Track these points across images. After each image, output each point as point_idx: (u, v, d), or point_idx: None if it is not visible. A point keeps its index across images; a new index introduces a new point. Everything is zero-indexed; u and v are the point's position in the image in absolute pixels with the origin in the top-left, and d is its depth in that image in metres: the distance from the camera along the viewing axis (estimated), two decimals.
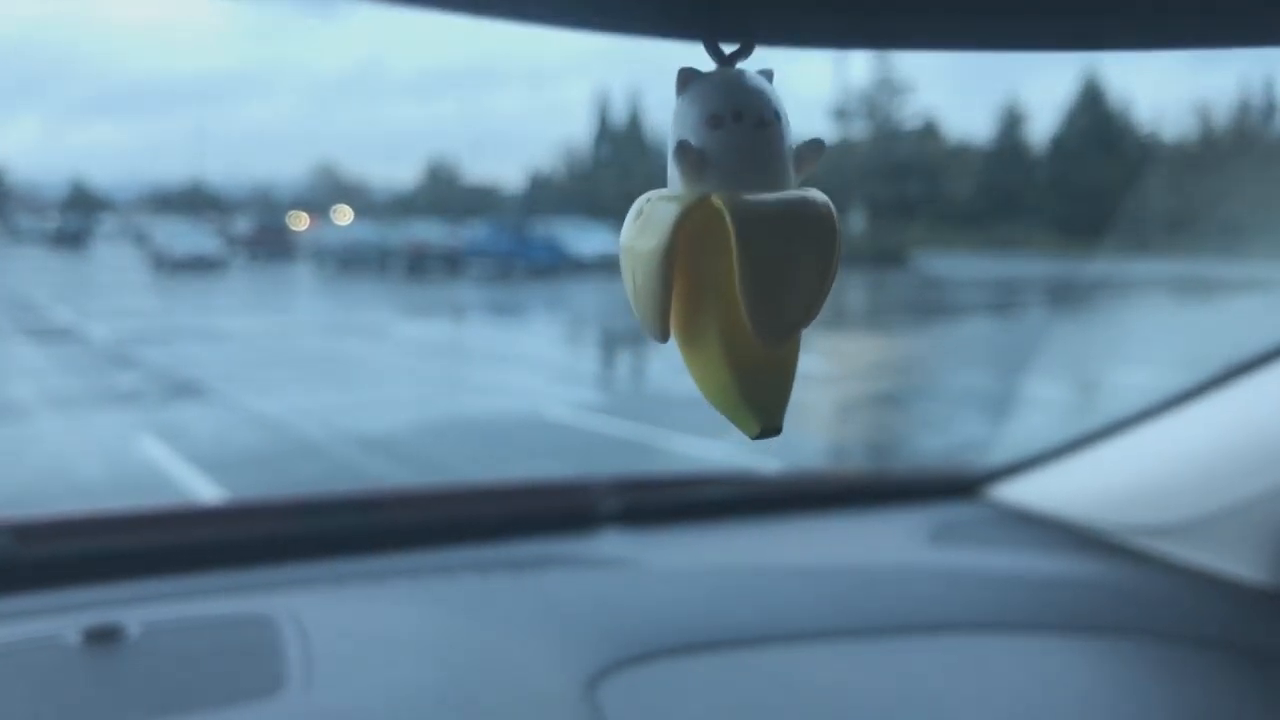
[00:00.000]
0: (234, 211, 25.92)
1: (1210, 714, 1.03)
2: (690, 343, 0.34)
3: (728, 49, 0.33)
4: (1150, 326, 8.15)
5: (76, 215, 27.69)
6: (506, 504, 1.36)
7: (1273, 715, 1.04)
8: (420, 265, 18.92)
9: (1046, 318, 11.28)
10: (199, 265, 18.63)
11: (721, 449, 4.96)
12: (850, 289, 15.91)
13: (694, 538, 1.34)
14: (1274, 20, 0.31)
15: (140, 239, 22.87)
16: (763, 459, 4.68)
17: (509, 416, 6.39)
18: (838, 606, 1.15)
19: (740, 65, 0.33)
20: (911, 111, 28.10)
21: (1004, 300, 13.74)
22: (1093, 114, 24.26)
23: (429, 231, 20.47)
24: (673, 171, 0.33)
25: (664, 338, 0.33)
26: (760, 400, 0.33)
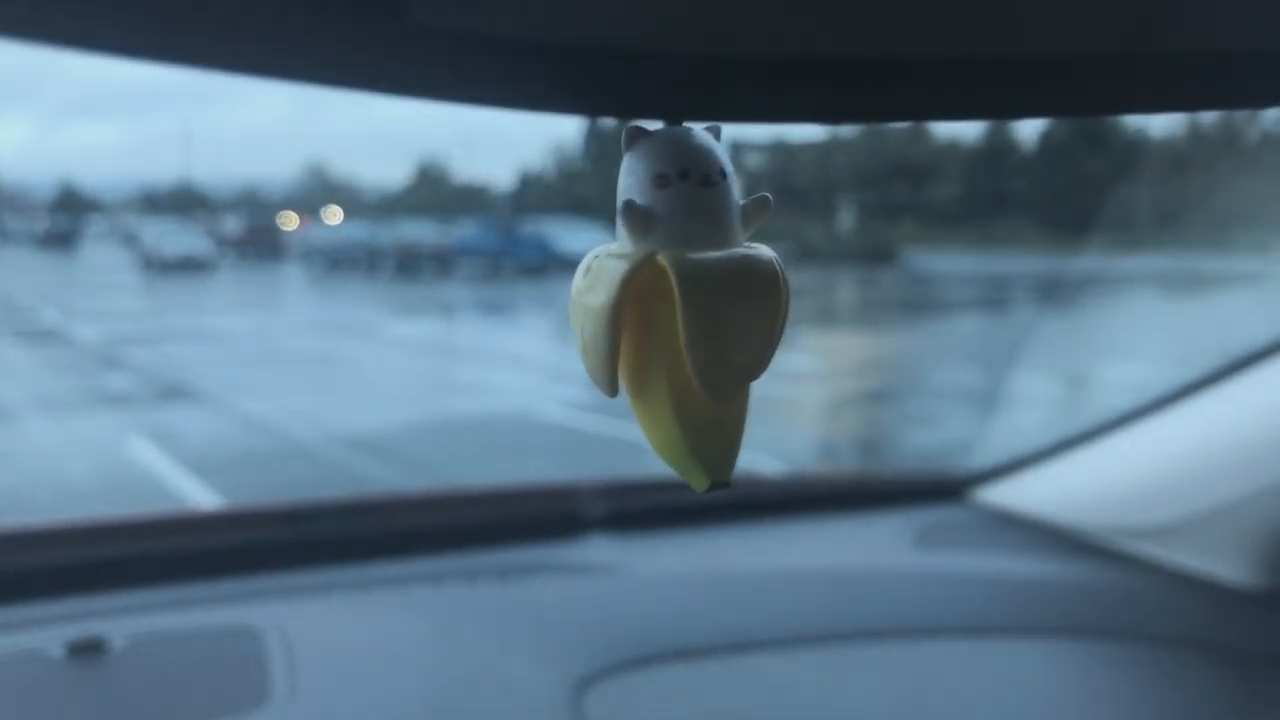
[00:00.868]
0: (223, 212, 25.82)
1: (1195, 715, 1.03)
2: (639, 397, 0.34)
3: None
4: (1138, 322, 8.17)
5: (65, 216, 27.60)
6: (493, 509, 1.36)
7: (1256, 715, 1.05)
8: (410, 264, 18.88)
9: (1035, 314, 11.30)
10: (188, 266, 18.57)
11: None
12: (839, 286, 15.92)
13: (680, 542, 1.34)
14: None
15: (129, 240, 22.79)
16: (750, 456, 4.68)
17: (499, 415, 6.38)
18: (824, 611, 1.16)
19: (687, 123, 0.34)
20: None
21: (993, 297, 13.76)
22: None
23: (419, 231, 20.41)
24: (621, 229, 0.33)
25: (612, 391, 0.33)
26: (708, 454, 0.33)
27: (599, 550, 1.29)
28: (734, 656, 1.05)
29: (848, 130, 26.67)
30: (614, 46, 0.28)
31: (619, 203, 0.33)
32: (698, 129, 0.33)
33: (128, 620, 1.04)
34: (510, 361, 8.90)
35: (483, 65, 0.28)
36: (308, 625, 1.05)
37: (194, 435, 5.69)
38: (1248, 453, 1.17)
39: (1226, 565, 1.20)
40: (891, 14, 0.28)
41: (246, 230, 22.82)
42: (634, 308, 0.32)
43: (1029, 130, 25.91)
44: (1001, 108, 0.34)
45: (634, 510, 1.36)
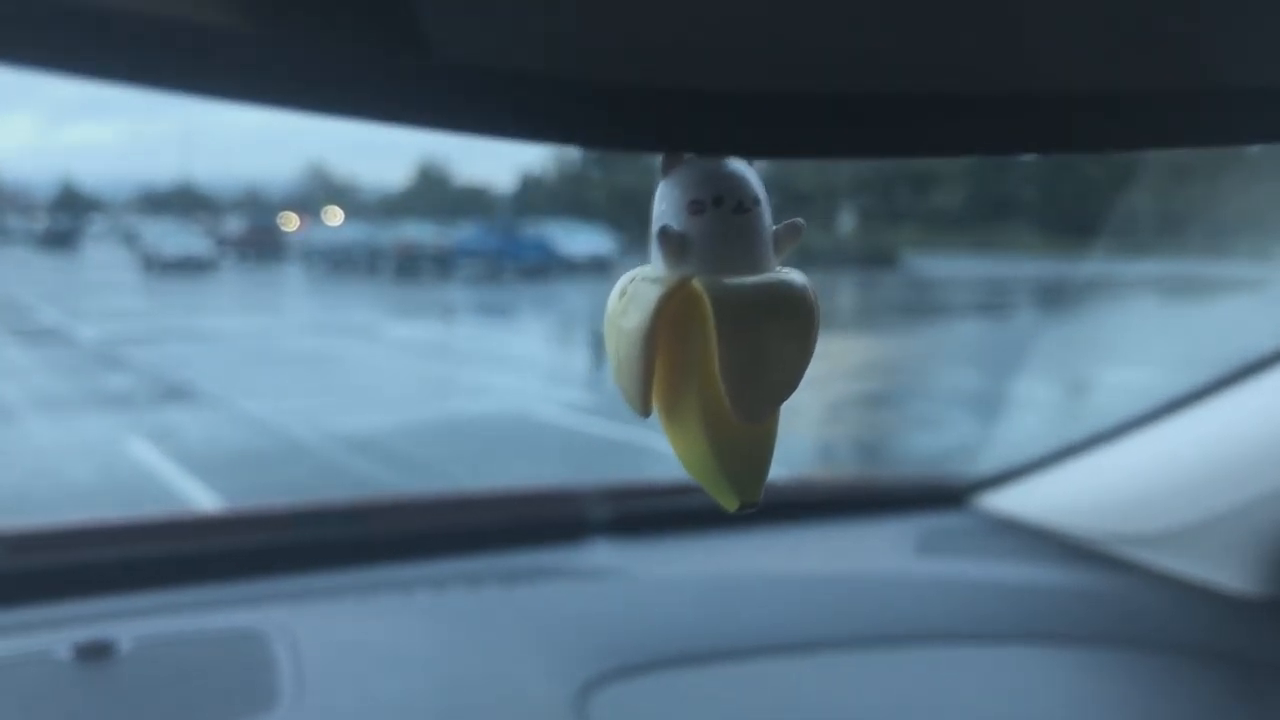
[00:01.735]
0: (224, 212, 25.79)
1: None
2: (671, 418, 0.35)
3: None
4: (1139, 327, 8.17)
5: (66, 215, 27.53)
6: (496, 513, 1.36)
7: None
8: (410, 265, 18.87)
9: (1036, 318, 11.30)
10: (189, 266, 18.56)
11: None
12: (840, 290, 15.92)
13: (683, 547, 1.35)
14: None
15: (130, 239, 22.76)
16: None
17: (499, 417, 6.38)
18: (826, 617, 1.16)
19: None
20: None
21: (994, 301, 13.76)
22: None
23: (419, 232, 20.39)
24: (655, 254, 0.34)
25: (645, 412, 0.34)
26: (739, 475, 0.35)
27: (603, 555, 1.30)
28: (737, 662, 1.05)
29: None
30: (648, 85, 0.29)
31: (653, 229, 0.34)
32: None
33: (135, 623, 1.04)
34: (510, 363, 8.90)
35: (512, 101, 0.29)
36: (314, 629, 1.05)
37: (194, 435, 5.69)
38: (1249, 460, 1.17)
39: (1227, 573, 1.20)
40: (924, 51, 0.28)
41: (247, 230, 22.80)
42: (667, 331, 0.33)
43: None
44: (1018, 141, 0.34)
45: (638, 515, 1.37)
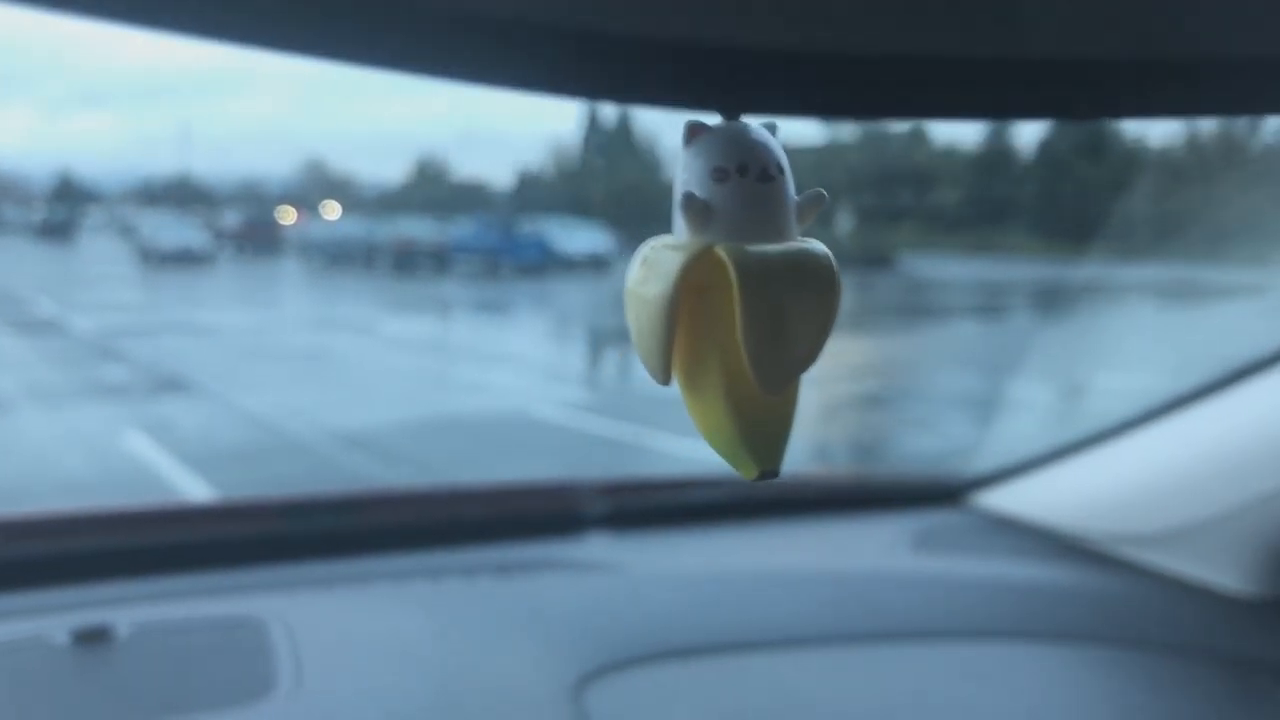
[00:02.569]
0: (222, 205, 25.78)
1: None
2: (691, 387, 0.35)
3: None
4: (1136, 331, 8.18)
5: (63, 207, 27.50)
6: (493, 506, 1.36)
7: None
8: (408, 261, 18.86)
9: (1033, 321, 11.32)
10: (186, 259, 18.55)
11: (708, 450, 4.96)
12: None
13: (679, 542, 1.35)
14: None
15: (127, 232, 22.75)
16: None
17: (495, 415, 6.39)
18: (822, 613, 1.16)
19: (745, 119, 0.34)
20: None
21: (991, 303, 13.78)
22: None
23: (417, 228, 20.39)
24: (678, 221, 0.34)
25: (666, 380, 0.34)
26: (759, 444, 0.34)
27: (599, 548, 1.30)
28: (731, 656, 1.06)
29: (847, 134, 26.71)
30: (670, 39, 0.29)
31: (676, 196, 0.33)
32: (755, 124, 0.34)
33: (133, 609, 1.04)
34: (507, 360, 8.90)
35: (539, 54, 0.29)
36: (312, 617, 1.06)
37: (189, 429, 5.69)
38: (1245, 461, 1.17)
39: (1223, 573, 1.21)
40: (928, 13, 0.28)
41: (244, 224, 22.80)
42: (689, 299, 0.33)
43: (1028, 137, 25.94)
44: (1009, 108, 0.34)
45: (634, 509, 1.37)
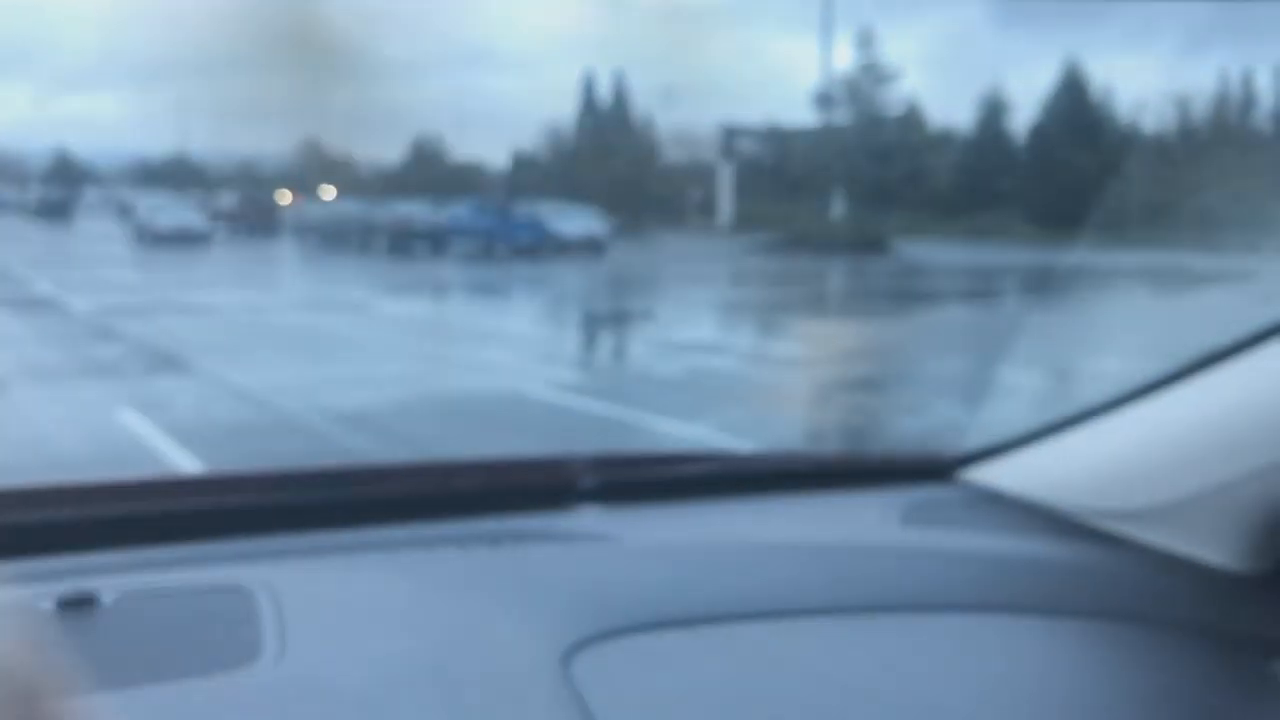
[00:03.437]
0: (219, 186, 25.66)
1: (1178, 695, 1.06)
2: None
3: None
4: (1126, 315, 8.18)
5: (60, 186, 27.36)
6: (485, 479, 1.36)
7: (1238, 695, 1.07)
8: (404, 242, 18.82)
9: (1024, 305, 11.32)
10: (182, 239, 18.49)
11: (699, 431, 4.98)
12: (830, 274, 15.90)
13: (671, 515, 1.36)
14: None
15: (124, 211, 22.65)
16: (740, 441, 4.70)
17: (490, 394, 6.39)
18: (812, 585, 1.17)
19: None
20: (895, 98, 28.18)
21: (981, 288, 13.78)
22: (1073, 104, 24.26)
23: (413, 209, 20.33)
24: None
25: None
26: None
27: (590, 520, 1.30)
28: (720, 627, 1.06)
29: (841, 118, 26.60)
30: None
31: None
32: None
33: (119, 578, 1.04)
34: (501, 341, 8.90)
35: None
36: (298, 586, 1.06)
37: (183, 407, 5.70)
38: (1233, 437, 1.18)
39: (1211, 548, 1.21)
40: None
41: (241, 204, 22.73)
42: None
43: (1020, 124, 25.86)
44: None
45: (625, 483, 1.38)
